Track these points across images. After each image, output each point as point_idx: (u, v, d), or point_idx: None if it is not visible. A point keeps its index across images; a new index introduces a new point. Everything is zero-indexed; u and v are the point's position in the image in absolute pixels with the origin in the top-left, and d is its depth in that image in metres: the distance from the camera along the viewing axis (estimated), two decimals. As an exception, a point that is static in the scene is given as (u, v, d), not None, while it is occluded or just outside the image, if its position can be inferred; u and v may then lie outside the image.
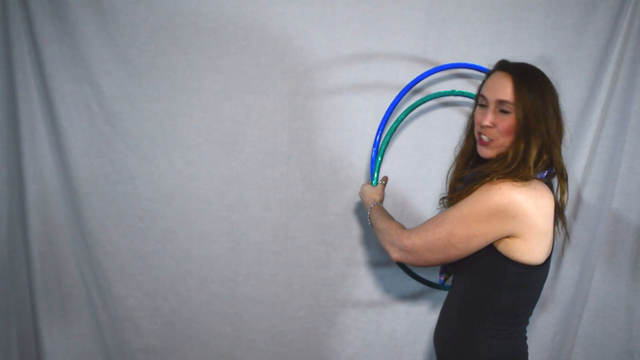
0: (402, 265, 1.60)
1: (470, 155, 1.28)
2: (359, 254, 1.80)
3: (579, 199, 1.73)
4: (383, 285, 1.83)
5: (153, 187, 1.77)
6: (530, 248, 1.07)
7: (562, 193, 1.16)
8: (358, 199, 1.75)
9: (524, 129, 1.11)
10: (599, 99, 1.70)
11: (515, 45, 1.69)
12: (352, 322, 1.83)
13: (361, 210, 1.78)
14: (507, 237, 1.08)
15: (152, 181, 1.76)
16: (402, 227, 1.26)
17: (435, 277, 1.60)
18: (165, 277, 1.81)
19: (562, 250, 1.76)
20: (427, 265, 1.19)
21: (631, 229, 1.69)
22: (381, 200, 1.47)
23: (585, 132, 1.71)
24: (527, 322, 1.20)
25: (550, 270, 1.76)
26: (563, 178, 1.16)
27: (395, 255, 1.21)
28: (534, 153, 1.10)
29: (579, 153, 1.72)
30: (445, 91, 1.62)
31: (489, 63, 1.50)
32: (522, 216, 1.05)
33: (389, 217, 1.35)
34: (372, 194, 1.46)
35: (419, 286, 1.82)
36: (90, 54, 1.69)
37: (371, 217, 1.39)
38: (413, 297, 1.84)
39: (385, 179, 1.55)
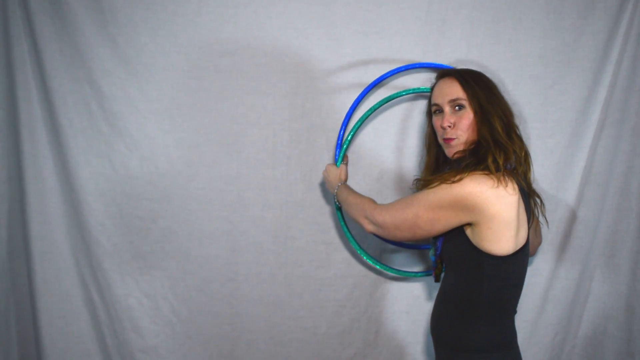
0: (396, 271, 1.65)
1: (434, 168, 1.42)
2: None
3: (579, 199, 1.73)
4: (383, 286, 1.83)
5: (153, 187, 1.77)
6: (496, 237, 1.14)
7: (528, 171, 1.27)
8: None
9: (481, 118, 1.22)
10: (598, 99, 1.69)
11: (514, 46, 1.69)
12: (352, 322, 1.83)
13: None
14: (472, 224, 1.16)
15: (152, 181, 1.76)
16: (374, 201, 1.36)
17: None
18: (165, 277, 1.81)
19: (561, 248, 1.77)
20: (397, 241, 1.31)
21: (631, 229, 1.69)
22: (346, 180, 1.57)
23: (585, 132, 1.71)
24: (514, 310, 1.27)
25: (550, 270, 1.77)
26: (526, 159, 1.26)
27: (369, 227, 1.32)
28: (502, 136, 1.20)
29: (579, 153, 1.72)
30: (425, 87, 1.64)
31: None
32: (482, 205, 1.12)
33: (358, 193, 1.44)
34: (339, 173, 1.56)
35: (420, 286, 1.82)
36: (90, 54, 1.69)
37: (340, 194, 1.49)
38: (413, 297, 1.83)
39: (347, 158, 1.63)
